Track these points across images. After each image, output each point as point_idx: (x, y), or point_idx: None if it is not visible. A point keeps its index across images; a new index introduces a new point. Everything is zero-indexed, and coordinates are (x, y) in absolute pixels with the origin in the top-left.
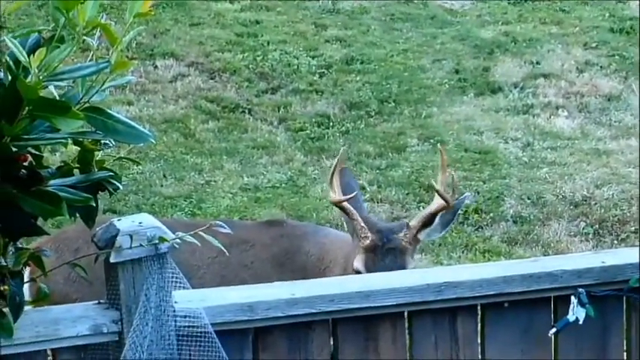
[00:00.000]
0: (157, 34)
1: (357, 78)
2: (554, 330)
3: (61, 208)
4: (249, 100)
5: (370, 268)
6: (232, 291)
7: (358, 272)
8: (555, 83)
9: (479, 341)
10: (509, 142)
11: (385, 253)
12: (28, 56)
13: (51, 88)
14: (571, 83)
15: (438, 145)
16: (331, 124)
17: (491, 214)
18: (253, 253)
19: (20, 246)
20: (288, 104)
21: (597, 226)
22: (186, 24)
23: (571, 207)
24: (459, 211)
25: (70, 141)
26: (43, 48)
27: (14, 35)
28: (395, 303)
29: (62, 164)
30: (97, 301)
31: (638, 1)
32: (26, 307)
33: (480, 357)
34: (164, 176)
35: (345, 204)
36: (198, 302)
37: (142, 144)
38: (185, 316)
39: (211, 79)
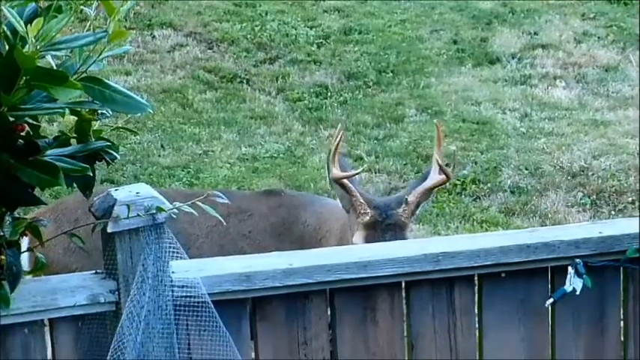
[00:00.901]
0: (154, 4)
1: (355, 48)
2: (551, 300)
3: (59, 178)
4: (247, 70)
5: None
6: (230, 261)
7: None
8: (553, 54)
9: (476, 311)
10: (507, 112)
11: (385, 229)
12: (26, 26)
13: (48, 58)
14: (569, 54)
15: (435, 121)
16: (329, 94)
17: (489, 185)
18: (251, 222)
19: (17, 216)
20: (287, 74)
21: (595, 196)
22: None
23: (568, 177)
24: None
25: (67, 111)
26: (41, 18)
27: (12, 5)
28: (392, 273)
29: (59, 134)
30: (94, 271)
31: None
32: (24, 277)
33: (477, 327)
34: (162, 146)
35: (345, 180)
36: (196, 272)
37: (139, 114)
38: (182, 286)
39: (209, 49)
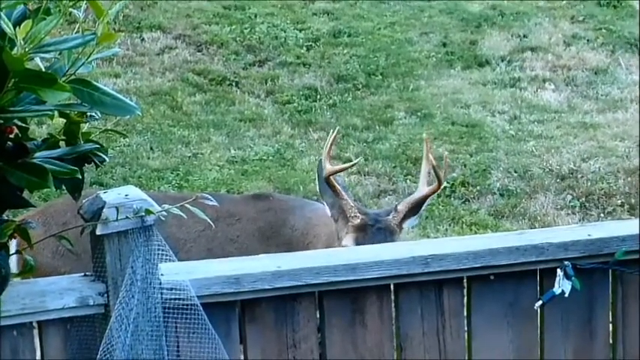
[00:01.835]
0: (143, 7)
1: (345, 51)
2: (540, 302)
3: (47, 181)
4: (237, 72)
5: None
6: (218, 263)
7: None
8: (542, 57)
9: (465, 314)
10: (497, 115)
11: (375, 232)
12: (14, 28)
13: (37, 60)
14: (558, 57)
15: (424, 135)
16: (319, 97)
17: (478, 187)
18: (240, 226)
19: (6, 218)
20: (276, 77)
21: (584, 199)
22: None
23: (558, 180)
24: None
25: (56, 113)
26: (30, 20)
27: (0, 7)
28: (381, 275)
29: (48, 136)
30: (83, 274)
31: None
32: (12, 280)
33: (466, 329)
34: (151, 149)
35: (337, 184)
36: (185, 275)
37: (128, 116)
38: (171, 289)
39: (199, 51)
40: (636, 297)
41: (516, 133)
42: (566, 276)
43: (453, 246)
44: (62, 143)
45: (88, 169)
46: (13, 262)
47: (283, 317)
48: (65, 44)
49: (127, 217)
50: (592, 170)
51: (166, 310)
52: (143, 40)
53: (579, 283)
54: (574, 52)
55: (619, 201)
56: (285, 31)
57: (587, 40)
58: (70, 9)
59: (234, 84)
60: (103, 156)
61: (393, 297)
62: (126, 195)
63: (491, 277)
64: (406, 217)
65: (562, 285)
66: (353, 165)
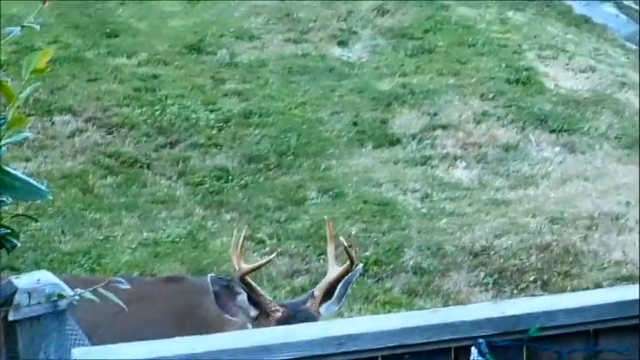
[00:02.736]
0: (54, 90)
1: (256, 131)
2: None
3: None
4: (148, 154)
5: None
6: (132, 347)
7: None
8: (453, 134)
9: None
10: (408, 193)
11: (298, 322)
12: None
13: None
14: (469, 134)
15: (325, 217)
16: (230, 177)
17: (392, 266)
18: (154, 309)
19: None
20: (187, 158)
21: (497, 275)
22: (83, 79)
23: (470, 257)
24: (352, 284)
25: None
26: None
27: None
28: (294, 357)
29: None
30: None
31: (534, 52)
32: None
33: None
34: (62, 232)
35: (252, 282)
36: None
37: (39, 200)
38: None
39: (109, 134)
40: None
41: (428, 210)
42: (481, 353)
43: (367, 325)
44: None
45: None
46: None
47: None
48: None
49: (39, 303)
50: (504, 247)
51: None
52: (54, 123)
53: None
54: (484, 129)
55: (532, 277)
56: (196, 112)
57: (498, 117)
58: None
59: (145, 166)
60: (15, 241)
61: None
62: (38, 280)
63: (406, 357)
64: (323, 301)
65: None
66: (267, 262)
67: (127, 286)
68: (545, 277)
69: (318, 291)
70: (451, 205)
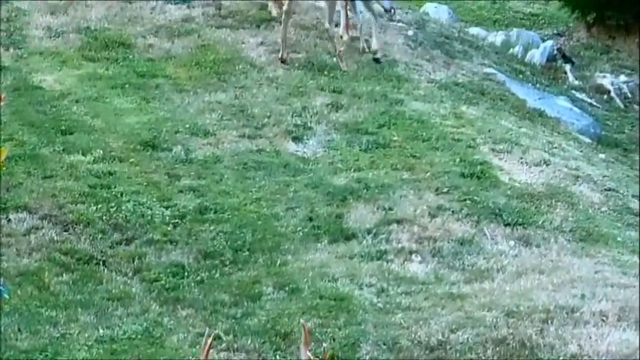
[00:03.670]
0: (9, 188)
1: (211, 227)
2: None
3: None
4: (104, 251)
5: None
6: None
7: None
8: (408, 228)
9: None
10: (364, 288)
11: None
12: None
13: None
14: (424, 228)
15: (302, 322)
16: (186, 273)
17: None
18: None
19: None
20: (143, 255)
21: None
22: (39, 177)
23: (427, 351)
24: None
25: None
26: None
27: None
28: None
29: None
30: None
31: (488, 146)
32: None
33: None
34: (19, 330)
35: None
36: None
37: None
38: None
39: (65, 231)
40: None
41: (384, 305)
42: None
43: None
44: None
45: None
46: None
47: None
48: None
49: None
50: (460, 341)
51: None
52: (9, 220)
53: None
54: (439, 224)
55: None
56: (151, 209)
57: (453, 211)
58: None
59: (101, 263)
60: None
61: None
62: None
63: None
64: None
65: None
66: None
67: None
68: None
69: None
70: (407, 300)
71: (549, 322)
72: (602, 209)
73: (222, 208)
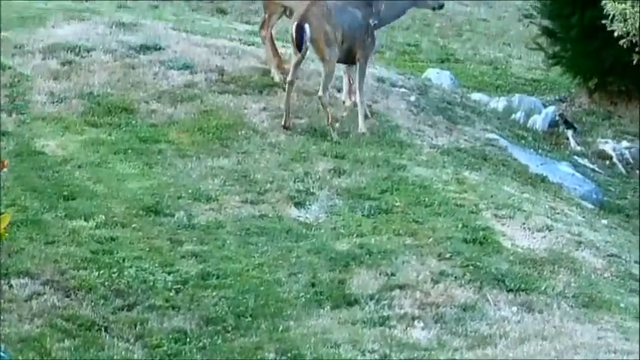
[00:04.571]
0: (11, 253)
1: (214, 293)
2: None
3: None
4: (106, 317)
5: None
6: None
7: None
8: (411, 294)
9: None
10: (367, 354)
11: None
12: None
13: None
14: (426, 294)
15: None
16: (188, 339)
17: None
18: None
19: None
20: (145, 321)
21: None
22: (41, 242)
23: None
24: None
25: None
26: None
27: None
28: None
29: None
30: None
31: (490, 211)
32: None
33: None
34: None
35: None
36: None
37: None
38: None
39: (67, 297)
40: None
41: None
42: None
43: None
44: None
45: None
46: None
47: None
48: None
49: None
50: None
51: None
52: (11, 286)
53: None
54: (442, 289)
55: None
56: (153, 274)
57: (455, 277)
58: None
59: (103, 329)
60: None
61: None
62: None
63: None
64: None
65: None
66: None
67: None
68: None
69: None
70: None
71: None
72: (605, 275)
73: (225, 273)
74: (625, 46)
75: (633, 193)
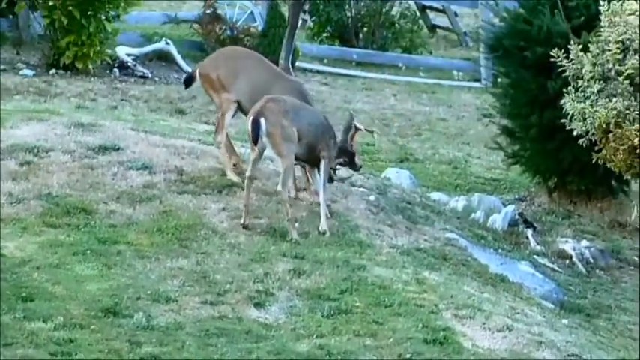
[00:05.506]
0: None
1: None
2: None
3: None
4: None
5: None
6: None
7: None
8: None
9: None
10: None
11: None
12: None
13: None
14: None
15: None
16: None
17: None
18: None
19: None
20: None
21: None
22: None
23: None
24: None
25: None
26: None
27: None
28: None
29: None
30: None
31: (450, 311)
32: None
33: None
34: None
35: None
36: None
37: None
38: None
39: None
40: None
41: None
42: None
43: None
44: None
45: None
46: None
47: None
48: None
49: None
50: None
51: None
52: None
53: None
54: None
55: None
56: None
57: None
58: None
59: None
60: None
61: None
62: None
63: None
64: None
65: None
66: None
67: None
68: None
69: None
70: None
71: None
72: None
73: None
74: (584, 145)
75: (593, 293)
